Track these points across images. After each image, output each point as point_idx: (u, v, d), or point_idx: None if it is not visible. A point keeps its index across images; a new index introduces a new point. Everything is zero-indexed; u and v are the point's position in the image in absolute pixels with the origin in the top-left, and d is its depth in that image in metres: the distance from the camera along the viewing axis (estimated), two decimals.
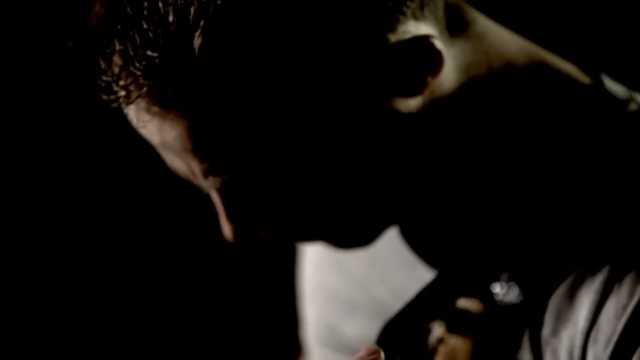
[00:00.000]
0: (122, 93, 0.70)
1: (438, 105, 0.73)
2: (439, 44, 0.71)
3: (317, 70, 0.70)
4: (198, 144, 0.71)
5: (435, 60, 0.71)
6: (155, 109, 0.70)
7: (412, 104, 0.72)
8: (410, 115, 0.73)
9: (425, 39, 0.70)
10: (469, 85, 0.75)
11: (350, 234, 0.79)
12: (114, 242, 1.77)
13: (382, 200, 0.76)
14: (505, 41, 0.77)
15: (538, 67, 0.77)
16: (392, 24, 0.70)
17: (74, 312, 1.76)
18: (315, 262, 0.94)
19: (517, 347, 0.73)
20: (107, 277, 1.77)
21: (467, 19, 0.75)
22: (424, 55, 0.71)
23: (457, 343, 0.74)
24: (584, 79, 0.78)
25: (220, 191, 0.76)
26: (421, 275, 0.81)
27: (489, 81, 0.76)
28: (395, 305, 0.82)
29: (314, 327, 0.94)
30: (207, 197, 0.79)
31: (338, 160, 0.73)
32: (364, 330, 0.86)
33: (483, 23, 0.77)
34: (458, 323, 0.75)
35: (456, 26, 0.74)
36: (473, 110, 0.76)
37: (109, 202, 1.76)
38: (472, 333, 0.75)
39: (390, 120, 0.72)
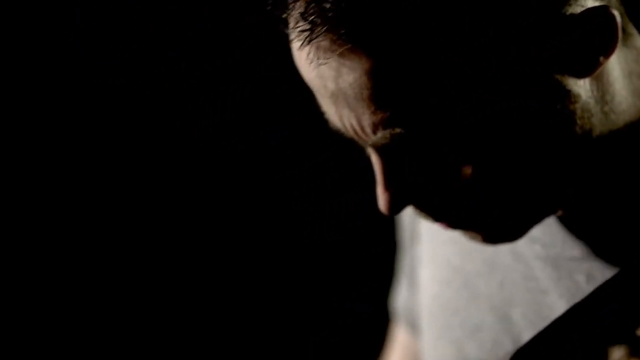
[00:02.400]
0: (306, 27, 0.66)
1: (604, 99, 0.72)
2: (617, 15, 0.69)
3: (497, 33, 0.67)
4: (378, 90, 0.67)
5: (610, 35, 0.69)
6: (338, 47, 0.66)
7: (581, 86, 0.70)
8: (577, 98, 0.70)
9: (603, 10, 0.68)
10: (633, 93, 0.74)
11: (506, 223, 0.75)
12: (114, 242, 1.77)
13: (541, 188, 0.73)
14: None
15: None
16: None
17: (74, 312, 1.76)
18: (440, 279, 0.91)
19: None
20: (108, 277, 1.77)
21: (629, 31, 0.75)
22: (600, 27, 0.69)
23: None
24: None
25: (383, 153, 0.72)
26: (552, 301, 0.79)
27: None
28: (526, 328, 0.80)
29: (435, 342, 0.91)
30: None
31: (505, 135, 0.70)
32: (488, 351, 0.84)
33: None
34: None
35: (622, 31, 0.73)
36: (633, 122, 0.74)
37: (110, 202, 1.76)
38: None
39: (560, 99, 0.70)
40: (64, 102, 1.69)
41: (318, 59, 0.68)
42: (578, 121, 0.71)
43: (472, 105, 0.68)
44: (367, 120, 0.69)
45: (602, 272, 0.76)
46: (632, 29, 0.75)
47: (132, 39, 1.69)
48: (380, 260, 1.74)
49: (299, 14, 0.67)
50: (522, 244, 0.81)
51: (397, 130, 0.69)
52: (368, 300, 1.71)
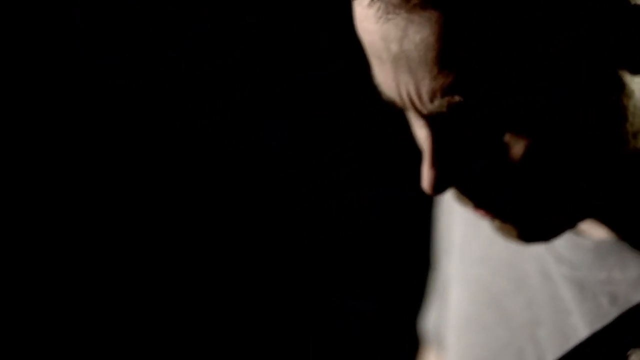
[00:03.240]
0: None
1: None
2: None
3: (565, 14, 0.66)
4: (444, 52, 0.65)
5: None
6: (408, 4, 0.65)
7: (637, 83, 0.69)
8: (631, 94, 0.69)
9: None
10: None
11: (543, 218, 0.74)
12: (114, 242, 1.77)
13: (584, 184, 0.72)
14: None
15: None
16: None
17: (74, 312, 1.76)
18: (468, 298, 0.91)
19: None
20: (108, 277, 1.77)
21: None
22: None
23: None
24: None
25: (436, 125, 0.70)
26: (574, 322, 0.79)
27: None
28: (551, 348, 0.80)
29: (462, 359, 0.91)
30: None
31: (559, 121, 0.69)
32: None
33: None
34: None
35: None
36: None
37: (110, 202, 1.76)
38: None
39: (614, 92, 0.69)
40: (64, 102, 1.69)
41: (388, 13, 0.66)
42: (630, 118, 0.70)
43: (533, 84, 0.67)
44: (426, 86, 0.67)
45: (626, 296, 0.76)
46: None
47: (132, 39, 1.69)
48: (381, 259, 1.74)
49: None
50: (551, 264, 0.81)
51: (456, 98, 0.67)
52: (369, 299, 1.72)
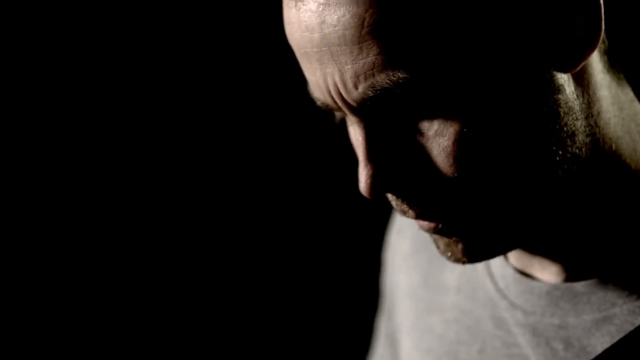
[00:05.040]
0: None
1: (590, 109, 0.71)
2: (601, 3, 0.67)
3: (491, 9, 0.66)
4: (361, 30, 0.65)
5: (594, 23, 0.68)
6: None
7: (565, 80, 0.69)
8: (562, 89, 0.69)
9: None
10: (623, 127, 0.74)
11: (488, 229, 0.72)
12: (114, 242, 1.77)
13: (524, 192, 0.70)
14: None
15: None
16: None
17: (74, 312, 1.76)
18: (422, 347, 0.90)
19: None
20: (108, 277, 1.77)
21: (616, 74, 0.75)
22: (585, 13, 0.68)
23: None
24: None
25: (365, 115, 0.69)
26: (515, 351, 0.79)
27: (635, 158, 0.74)
28: None
29: None
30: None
31: (492, 112, 0.68)
32: None
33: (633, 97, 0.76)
34: None
35: (617, 66, 0.73)
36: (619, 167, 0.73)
37: (110, 202, 1.76)
38: None
39: (545, 88, 0.69)
40: (64, 102, 1.70)
41: (304, 3, 0.68)
42: (562, 115, 0.69)
43: (455, 65, 0.66)
44: (349, 71, 0.67)
45: (580, 341, 0.75)
46: (618, 74, 0.75)
47: (132, 39, 1.69)
48: (380, 259, 1.75)
49: None
50: (504, 310, 0.80)
51: (378, 80, 0.67)
52: (368, 299, 1.72)
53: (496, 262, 0.83)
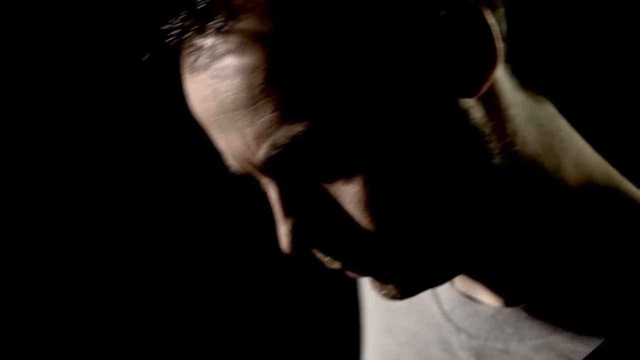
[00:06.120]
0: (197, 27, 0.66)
1: (504, 129, 0.70)
2: (490, 18, 0.66)
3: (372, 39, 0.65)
4: (251, 91, 0.65)
5: (486, 40, 0.66)
6: (205, 62, 0.66)
7: (472, 106, 0.68)
8: (469, 115, 0.68)
9: (474, 9, 0.66)
10: (543, 145, 0.72)
11: (415, 267, 0.71)
12: (114, 242, 1.78)
13: (442, 225, 0.69)
14: (585, 152, 0.75)
15: (614, 190, 0.74)
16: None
17: (74, 312, 1.76)
18: (370, 348, 0.91)
19: None
20: (108, 277, 1.78)
21: (540, 95, 0.74)
22: (474, 31, 0.66)
23: None
24: None
25: (273, 172, 0.69)
26: None
27: (564, 169, 0.73)
28: None
29: None
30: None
31: (398, 152, 0.66)
32: None
33: (556, 112, 0.75)
34: None
35: (527, 84, 0.72)
36: (539, 182, 0.72)
37: (110, 202, 1.77)
38: None
39: (450, 116, 0.67)
40: (64, 102, 1.70)
41: (195, 75, 0.68)
42: (473, 141, 0.68)
43: (357, 114, 0.65)
44: (250, 134, 0.67)
45: None
46: (534, 92, 0.74)
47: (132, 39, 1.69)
48: None
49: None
50: (449, 333, 0.80)
51: (279, 140, 0.66)
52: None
53: (442, 286, 0.82)
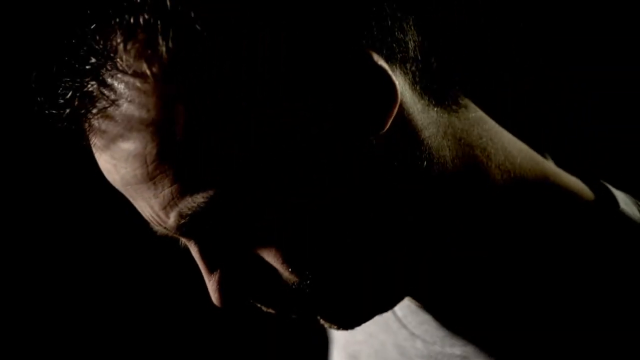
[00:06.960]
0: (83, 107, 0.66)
1: (417, 154, 0.69)
2: (380, 60, 0.66)
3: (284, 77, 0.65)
4: (147, 167, 0.65)
5: (387, 84, 0.66)
6: (104, 143, 0.66)
7: (385, 140, 0.67)
8: (381, 161, 0.68)
9: (361, 56, 0.65)
10: (462, 158, 0.72)
11: (345, 305, 0.71)
12: (114, 242, 1.78)
13: (364, 261, 0.69)
14: (512, 151, 0.74)
15: (543, 183, 0.74)
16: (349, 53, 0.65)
17: (74, 312, 1.76)
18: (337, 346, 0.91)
19: None
20: (107, 277, 1.78)
21: (461, 103, 0.73)
22: (369, 77, 0.66)
23: None
24: (589, 195, 0.75)
25: (195, 239, 0.69)
26: None
27: (489, 175, 0.72)
28: None
29: None
30: None
31: (308, 202, 0.66)
32: None
33: (481, 116, 0.74)
34: None
35: (441, 98, 0.71)
36: (468, 191, 0.71)
37: (109, 203, 1.77)
38: None
39: (360, 165, 0.67)
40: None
41: (98, 154, 0.68)
42: (390, 175, 0.68)
43: (257, 173, 0.65)
44: (157, 204, 0.67)
45: None
46: (466, 101, 0.73)
47: None
48: None
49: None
50: (403, 339, 0.80)
51: (185, 209, 0.66)
52: None
53: None
